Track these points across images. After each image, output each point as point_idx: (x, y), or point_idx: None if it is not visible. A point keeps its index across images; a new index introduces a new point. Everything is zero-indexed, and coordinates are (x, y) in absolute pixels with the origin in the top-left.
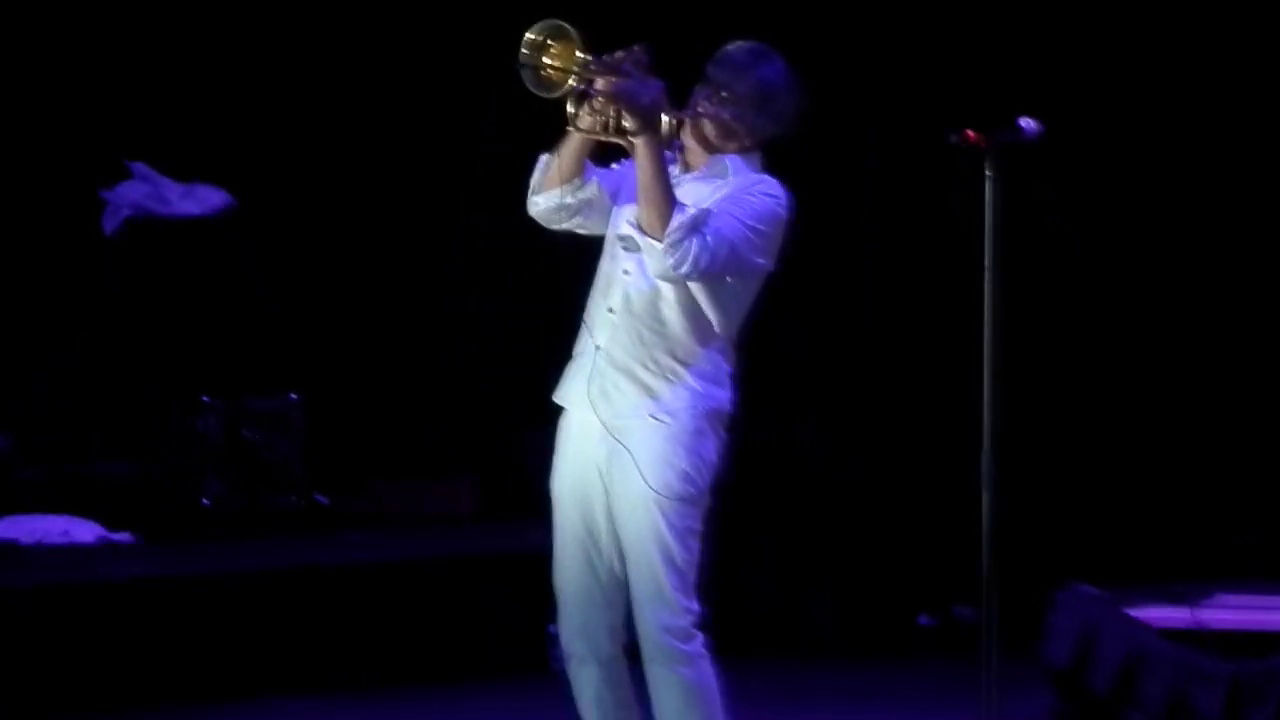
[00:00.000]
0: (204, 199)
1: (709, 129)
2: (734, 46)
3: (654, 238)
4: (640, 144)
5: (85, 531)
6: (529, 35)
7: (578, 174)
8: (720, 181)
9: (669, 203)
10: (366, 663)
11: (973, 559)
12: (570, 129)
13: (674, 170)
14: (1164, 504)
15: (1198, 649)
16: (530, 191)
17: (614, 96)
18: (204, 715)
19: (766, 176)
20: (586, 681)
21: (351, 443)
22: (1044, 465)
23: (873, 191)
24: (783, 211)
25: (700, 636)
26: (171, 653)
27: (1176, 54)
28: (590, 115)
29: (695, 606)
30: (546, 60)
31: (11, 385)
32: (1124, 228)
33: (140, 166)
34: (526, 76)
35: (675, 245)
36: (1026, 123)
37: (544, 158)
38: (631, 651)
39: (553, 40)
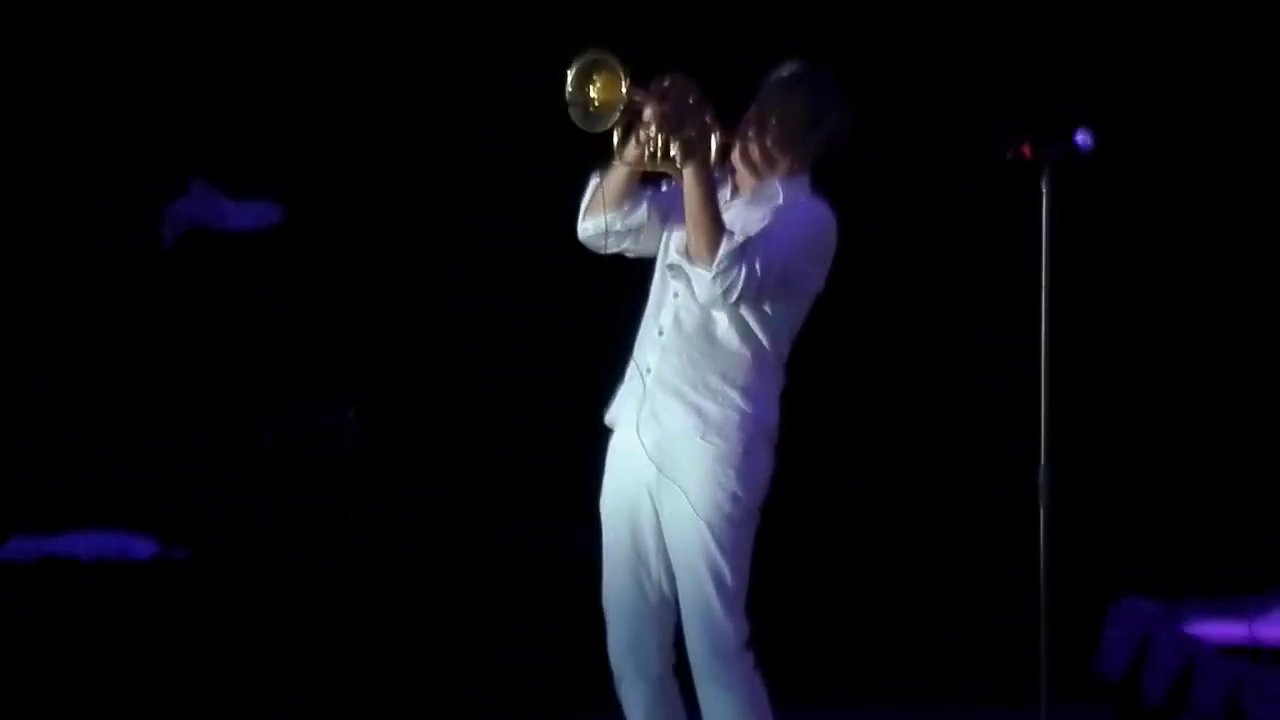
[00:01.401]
0: (257, 213)
1: (758, 152)
2: (785, 68)
3: (702, 265)
4: (688, 171)
5: (142, 548)
6: (573, 70)
7: (627, 198)
8: (769, 205)
9: (717, 230)
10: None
11: (1027, 572)
12: (616, 161)
13: (723, 193)
14: (1221, 516)
15: (1253, 662)
16: (579, 216)
17: (661, 125)
18: None
19: (815, 199)
20: (636, 701)
21: (405, 449)
22: (1098, 476)
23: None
24: (830, 235)
25: (749, 655)
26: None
27: (1223, 57)
28: (637, 145)
29: (744, 626)
30: (592, 93)
31: (62, 395)
32: (1177, 233)
33: (197, 182)
34: (575, 114)
35: (723, 273)
36: (1082, 136)
37: (592, 181)
38: (682, 670)
39: (596, 73)
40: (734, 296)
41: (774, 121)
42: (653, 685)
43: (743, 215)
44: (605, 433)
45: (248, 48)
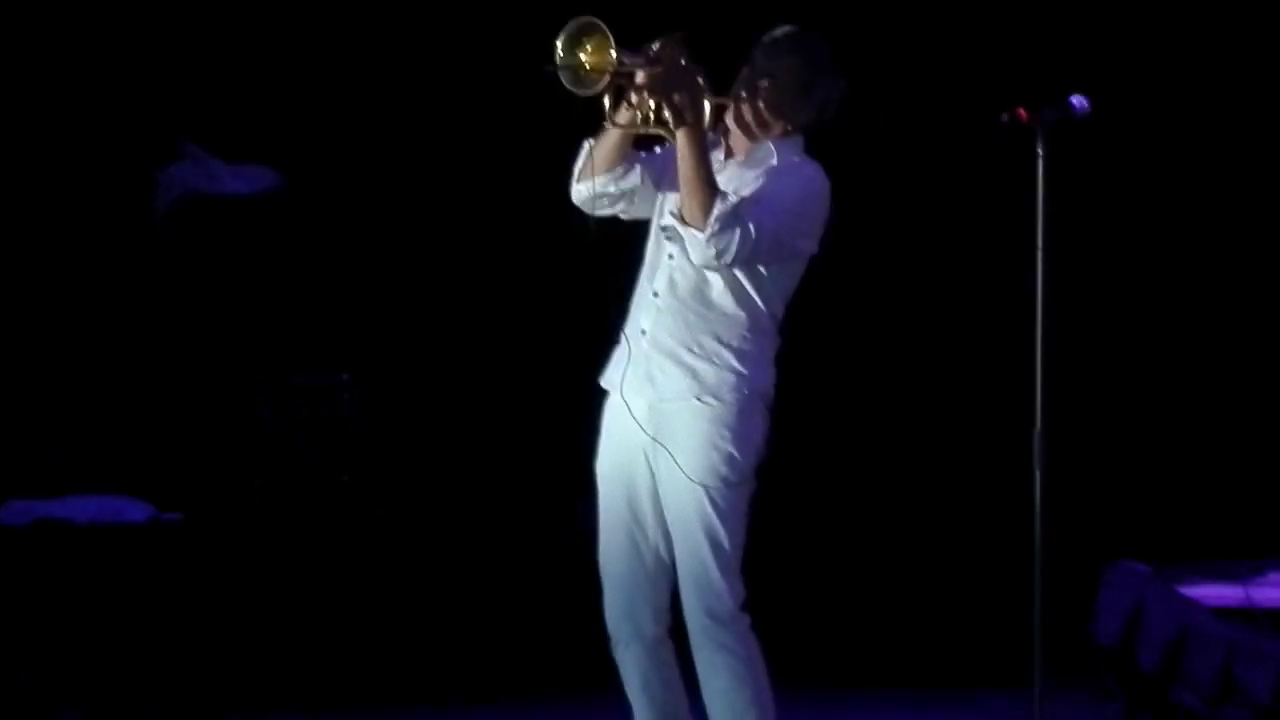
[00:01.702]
0: (253, 178)
1: (751, 115)
2: (777, 32)
3: (696, 227)
4: (681, 135)
5: (137, 511)
6: (562, 35)
7: (619, 163)
8: (763, 167)
9: (710, 192)
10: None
11: (1021, 536)
12: (608, 125)
13: (717, 155)
14: (1217, 480)
15: (1248, 626)
16: (572, 179)
17: (652, 89)
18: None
19: (808, 161)
20: (633, 664)
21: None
22: (1093, 442)
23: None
24: (823, 196)
25: (745, 618)
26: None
27: (1228, 30)
28: (629, 109)
29: (740, 588)
30: (583, 57)
31: (60, 365)
32: (1174, 198)
33: (191, 146)
34: (565, 76)
35: (717, 235)
36: (1077, 100)
37: (586, 145)
38: (678, 633)
39: (586, 37)
40: (728, 258)
41: (766, 85)
42: (649, 648)
43: (736, 177)
44: (600, 396)
45: (241, 13)
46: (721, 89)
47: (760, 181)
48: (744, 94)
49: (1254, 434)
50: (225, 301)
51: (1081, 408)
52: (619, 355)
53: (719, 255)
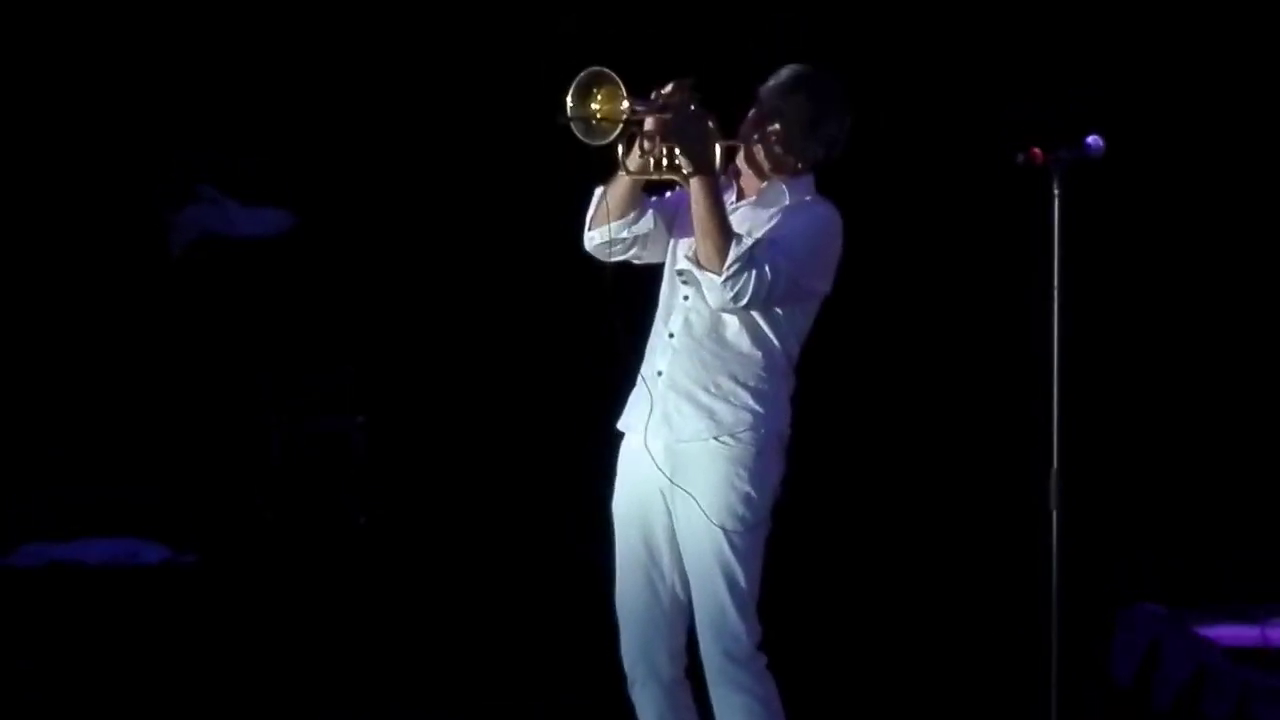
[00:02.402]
0: (268, 220)
1: (760, 155)
2: (783, 71)
3: (712, 271)
4: (694, 181)
5: (151, 553)
6: (573, 87)
7: (632, 208)
8: (776, 207)
9: (725, 236)
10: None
11: (1038, 578)
12: (621, 172)
13: (729, 196)
14: (1233, 521)
15: (1264, 668)
16: (585, 227)
17: (664, 135)
18: None
19: (821, 199)
20: (650, 704)
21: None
22: (1110, 482)
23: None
24: (837, 235)
25: (762, 658)
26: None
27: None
28: (641, 156)
29: (757, 628)
30: (594, 107)
31: (72, 403)
32: (1190, 237)
33: (206, 188)
34: (577, 128)
35: (733, 278)
36: (1093, 140)
37: (597, 192)
38: (695, 673)
39: (596, 87)
40: (745, 300)
41: (775, 125)
42: (665, 688)
43: (750, 218)
44: (616, 439)
45: (255, 54)
46: (730, 131)
47: (774, 222)
48: (754, 135)
49: (1272, 475)
50: (240, 342)
51: (1099, 448)
52: (635, 397)
53: (736, 298)
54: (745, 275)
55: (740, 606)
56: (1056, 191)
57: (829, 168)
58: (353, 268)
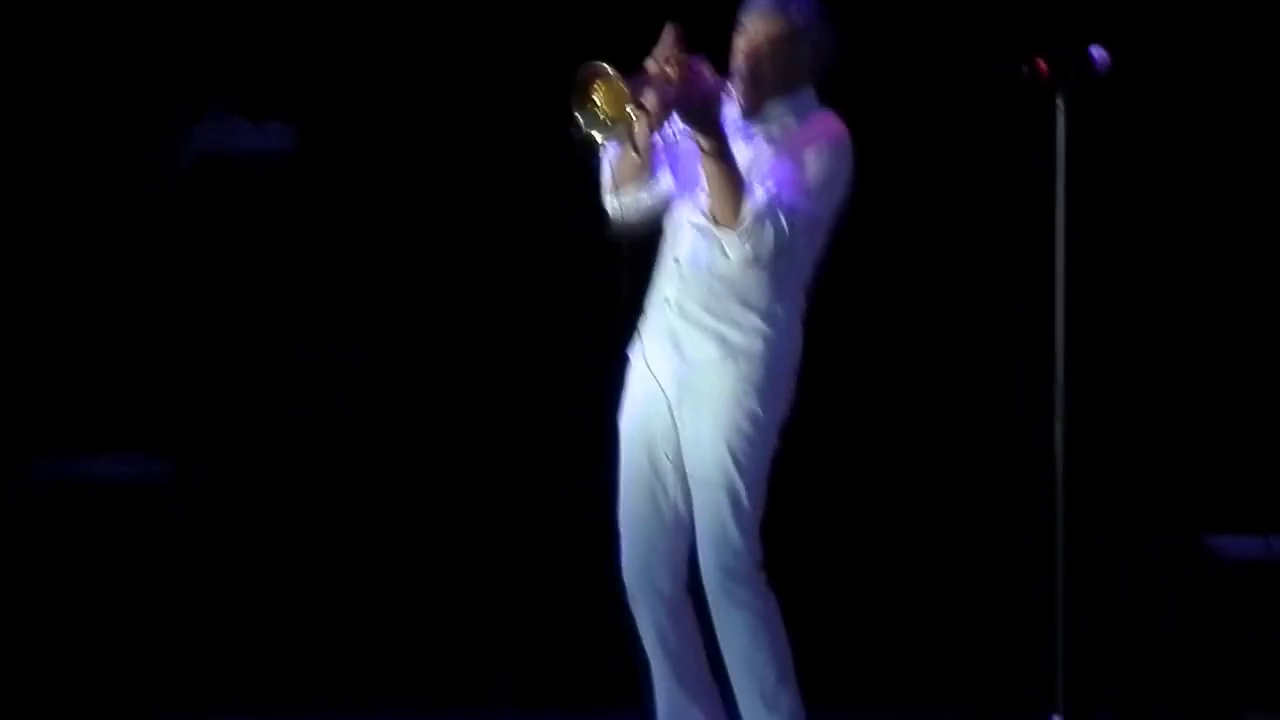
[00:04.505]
0: (276, 136)
1: (754, 78)
2: None
3: (729, 229)
4: (703, 140)
5: (159, 470)
6: (574, 89)
7: (646, 168)
8: (778, 124)
9: (738, 193)
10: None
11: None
12: (634, 151)
13: (733, 111)
14: (1250, 458)
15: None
16: (606, 191)
17: (669, 108)
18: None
19: (825, 113)
20: (649, 618)
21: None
22: (1119, 433)
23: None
24: (847, 156)
25: (763, 575)
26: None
27: None
28: (645, 127)
29: (758, 548)
30: (598, 100)
31: (81, 321)
32: (1204, 159)
33: (216, 105)
34: (587, 121)
35: (750, 233)
36: (1097, 52)
37: (606, 161)
38: (696, 588)
39: (593, 85)
40: (765, 253)
41: (764, 47)
42: (665, 603)
43: (754, 149)
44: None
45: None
46: (722, 65)
47: (783, 149)
48: (744, 62)
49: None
50: (245, 263)
51: (1106, 399)
52: (643, 323)
53: (755, 250)
54: (760, 228)
55: (741, 523)
56: (1060, 105)
57: (821, 79)
58: (359, 190)
